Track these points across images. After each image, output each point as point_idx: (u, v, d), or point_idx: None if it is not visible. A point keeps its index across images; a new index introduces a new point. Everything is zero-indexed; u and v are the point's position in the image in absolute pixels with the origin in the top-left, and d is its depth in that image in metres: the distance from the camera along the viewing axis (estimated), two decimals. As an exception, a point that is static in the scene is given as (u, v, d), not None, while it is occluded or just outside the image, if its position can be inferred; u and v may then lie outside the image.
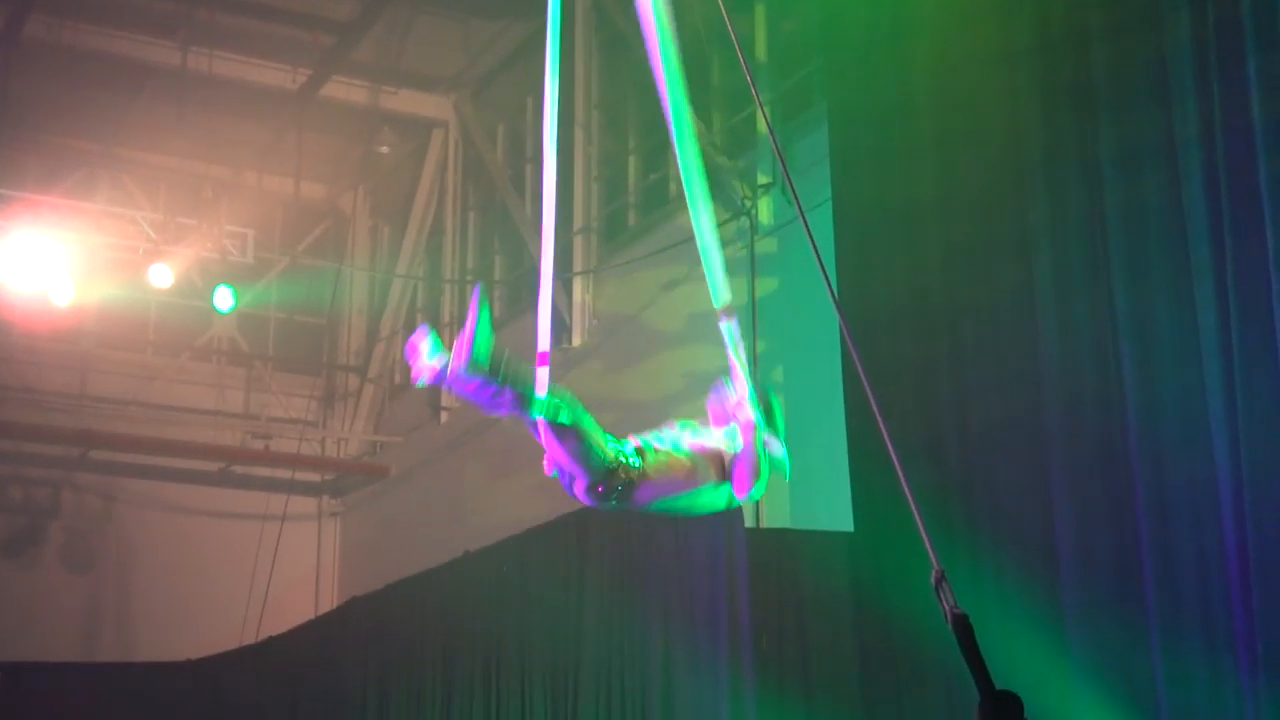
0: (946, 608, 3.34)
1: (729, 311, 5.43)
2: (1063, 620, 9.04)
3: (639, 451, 5.27)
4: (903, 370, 10.52)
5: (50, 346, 19.69)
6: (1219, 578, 8.16)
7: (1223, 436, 8.13)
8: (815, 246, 4.87)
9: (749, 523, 12.00)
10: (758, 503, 13.00)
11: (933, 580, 3.39)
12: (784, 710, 10.80)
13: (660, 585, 11.27)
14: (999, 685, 3.50)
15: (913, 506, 3.70)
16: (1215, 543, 8.20)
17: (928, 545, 3.54)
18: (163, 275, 17.79)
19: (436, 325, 20.33)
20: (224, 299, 18.35)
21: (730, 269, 14.33)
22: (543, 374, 5.00)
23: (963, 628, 3.25)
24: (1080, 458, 9.13)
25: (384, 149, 20.46)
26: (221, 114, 19.16)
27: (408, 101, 19.76)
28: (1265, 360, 7.91)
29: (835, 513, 11.42)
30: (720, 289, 5.44)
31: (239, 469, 21.21)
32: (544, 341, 5.13)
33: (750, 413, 5.35)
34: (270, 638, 18.09)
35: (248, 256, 18.56)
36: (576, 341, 16.84)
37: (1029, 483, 9.47)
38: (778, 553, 11.45)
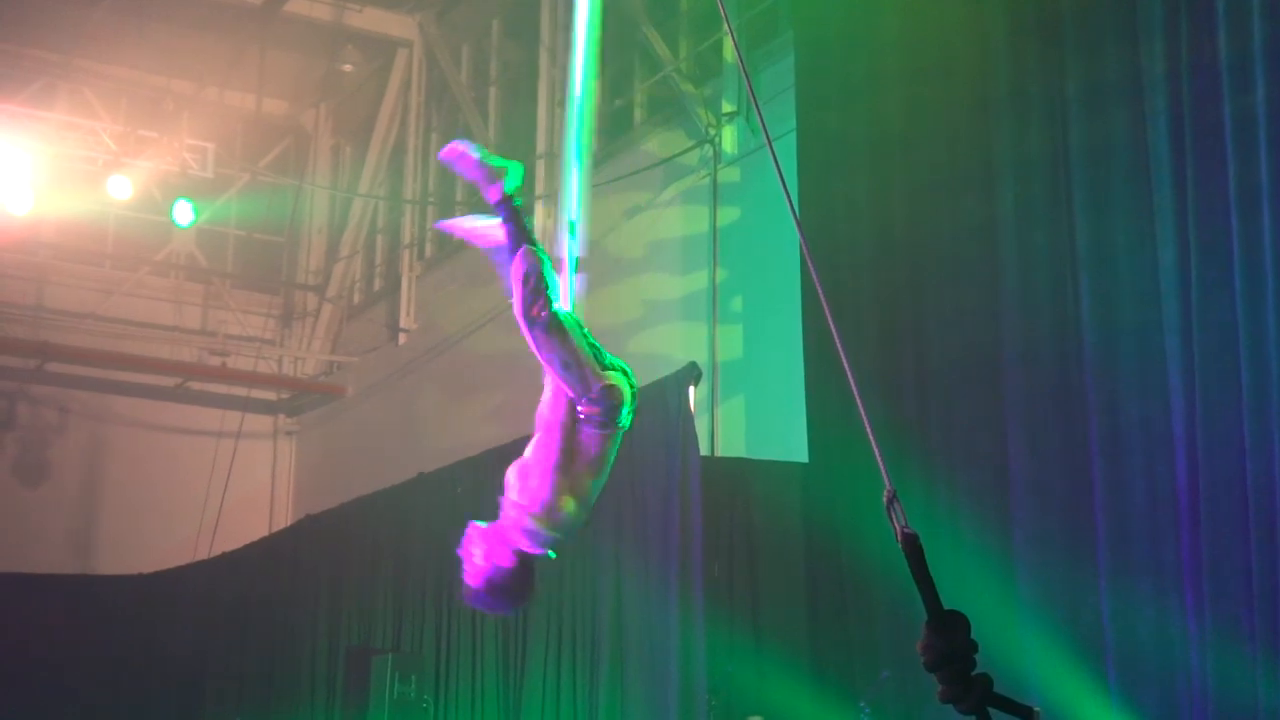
0: (897, 527, 3.33)
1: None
2: (1012, 556, 9.09)
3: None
4: (863, 301, 10.53)
5: (7, 257, 19.51)
6: (1168, 516, 8.22)
7: (1177, 374, 8.17)
8: (781, 175, 4.82)
9: (704, 451, 12.02)
10: (712, 432, 13.03)
11: (885, 500, 3.39)
12: (732, 635, 10.87)
13: (614, 511, 11.30)
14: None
15: (868, 429, 3.69)
16: (1166, 482, 8.25)
17: (881, 466, 3.53)
18: (122, 187, 17.66)
19: (396, 247, 20.23)
20: (184, 212, 18.23)
21: (692, 197, 14.31)
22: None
23: (912, 547, 3.26)
24: (1036, 392, 9.17)
25: (347, 67, 20.29)
26: (183, 27, 18.95)
27: (372, 20, 19.56)
28: (1223, 298, 7.94)
29: (790, 443, 11.45)
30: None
31: (195, 385, 21.12)
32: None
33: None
34: (223, 554, 18.08)
35: (208, 171, 18.43)
36: (537, 266, 16.74)
37: (984, 415, 9.51)
38: (731, 481, 11.50)
